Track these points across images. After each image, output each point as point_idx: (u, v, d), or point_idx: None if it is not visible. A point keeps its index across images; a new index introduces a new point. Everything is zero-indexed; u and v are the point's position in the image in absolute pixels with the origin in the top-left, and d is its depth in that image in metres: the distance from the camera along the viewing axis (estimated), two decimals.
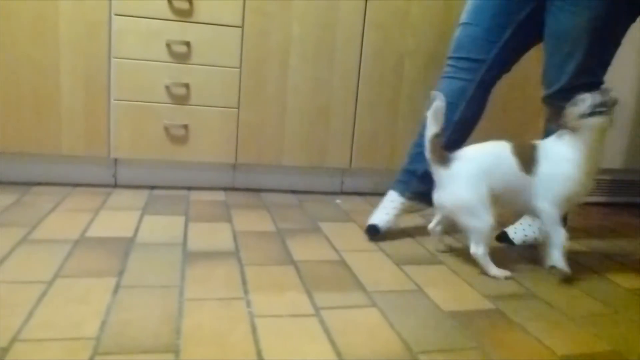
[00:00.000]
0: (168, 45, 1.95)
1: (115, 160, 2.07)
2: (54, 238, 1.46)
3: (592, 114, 1.38)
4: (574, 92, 1.50)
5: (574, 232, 1.93)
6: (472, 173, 1.43)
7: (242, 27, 2.00)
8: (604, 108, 1.38)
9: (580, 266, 1.60)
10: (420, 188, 1.68)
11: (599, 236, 1.96)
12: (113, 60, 1.93)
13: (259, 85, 2.06)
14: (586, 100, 1.39)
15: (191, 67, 1.99)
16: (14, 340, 0.94)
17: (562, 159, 1.42)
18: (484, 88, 1.68)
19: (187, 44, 1.96)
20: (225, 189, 2.16)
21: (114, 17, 1.90)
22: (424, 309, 1.21)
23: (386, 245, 1.63)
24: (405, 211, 1.74)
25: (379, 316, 1.16)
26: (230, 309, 1.13)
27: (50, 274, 1.23)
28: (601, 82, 1.59)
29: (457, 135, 1.66)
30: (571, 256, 1.66)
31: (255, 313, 1.12)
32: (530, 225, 1.73)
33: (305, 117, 2.12)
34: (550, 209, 1.43)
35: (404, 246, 1.64)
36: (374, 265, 1.46)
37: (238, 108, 2.06)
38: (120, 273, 1.27)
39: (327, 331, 1.07)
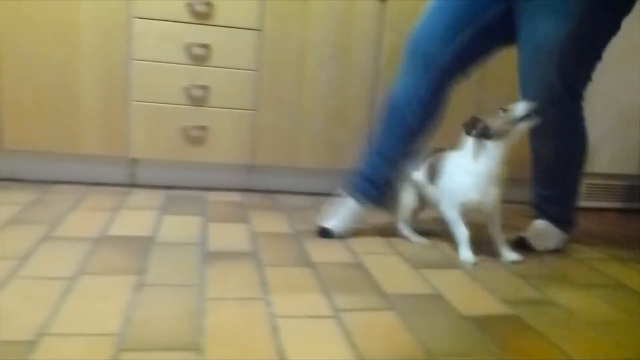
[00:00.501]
0: (187, 48, 1.97)
1: (133, 160, 2.09)
2: (75, 236, 1.48)
3: (523, 118, 1.48)
4: (560, 106, 1.53)
5: (591, 239, 1.93)
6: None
7: (260, 30, 2.02)
8: (534, 113, 1.48)
9: (599, 273, 1.60)
10: (378, 196, 1.69)
11: (616, 243, 1.95)
12: (132, 62, 1.96)
13: (276, 88, 2.07)
14: (519, 107, 1.48)
15: (210, 70, 2.01)
16: (41, 334, 0.96)
17: (460, 169, 1.54)
18: (437, 91, 1.60)
19: (206, 46, 1.98)
20: (241, 190, 2.17)
21: (133, 19, 1.93)
22: (442, 313, 1.22)
23: (403, 248, 1.63)
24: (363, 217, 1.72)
25: (398, 319, 1.16)
26: (250, 308, 1.14)
27: (73, 271, 1.25)
28: (583, 97, 1.58)
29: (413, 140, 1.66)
30: (589, 263, 1.66)
31: (275, 313, 1.13)
32: (546, 230, 1.73)
33: (322, 119, 2.13)
34: (448, 211, 1.58)
35: (421, 250, 1.64)
36: (391, 268, 1.47)
37: (256, 110, 2.08)
38: (141, 271, 1.28)
39: (346, 333, 1.07)
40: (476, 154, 1.52)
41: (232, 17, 1.98)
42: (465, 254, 1.56)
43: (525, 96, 1.55)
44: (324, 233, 1.66)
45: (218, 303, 1.15)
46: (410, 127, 1.63)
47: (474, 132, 1.51)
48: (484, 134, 1.49)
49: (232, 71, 2.03)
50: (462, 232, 1.57)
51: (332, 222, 1.67)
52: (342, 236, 1.66)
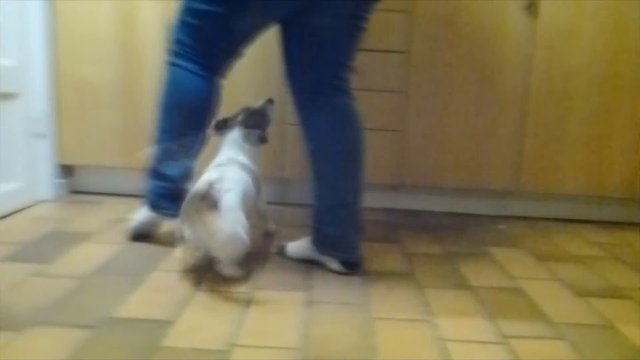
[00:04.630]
0: None
1: (285, 179, 2.20)
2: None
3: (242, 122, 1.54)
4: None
5: None
6: None
7: (407, 52, 2.05)
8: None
9: None
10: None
11: None
12: None
13: (422, 109, 2.09)
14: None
15: (358, 93, 2.07)
16: (231, 344, 1.05)
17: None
18: (209, 76, 1.48)
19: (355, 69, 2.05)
20: (386, 209, 2.20)
21: None
22: (620, 347, 1.16)
23: (563, 273, 1.57)
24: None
25: (570, 351, 1.12)
26: (418, 330, 1.17)
27: (250, 285, 1.35)
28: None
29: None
30: None
31: (443, 337, 1.14)
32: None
33: (467, 138, 2.11)
34: None
35: (583, 276, 1.57)
36: (554, 295, 1.42)
37: (399, 130, 2.11)
38: (309, 288, 1.35)
39: None
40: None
41: (381, 40, 2.03)
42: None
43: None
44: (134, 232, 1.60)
45: (386, 323, 1.19)
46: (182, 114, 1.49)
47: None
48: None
49: (381, 93, 2.07)
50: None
51: (137, 218, 1.61)
52: (144, 235, 1.60)
